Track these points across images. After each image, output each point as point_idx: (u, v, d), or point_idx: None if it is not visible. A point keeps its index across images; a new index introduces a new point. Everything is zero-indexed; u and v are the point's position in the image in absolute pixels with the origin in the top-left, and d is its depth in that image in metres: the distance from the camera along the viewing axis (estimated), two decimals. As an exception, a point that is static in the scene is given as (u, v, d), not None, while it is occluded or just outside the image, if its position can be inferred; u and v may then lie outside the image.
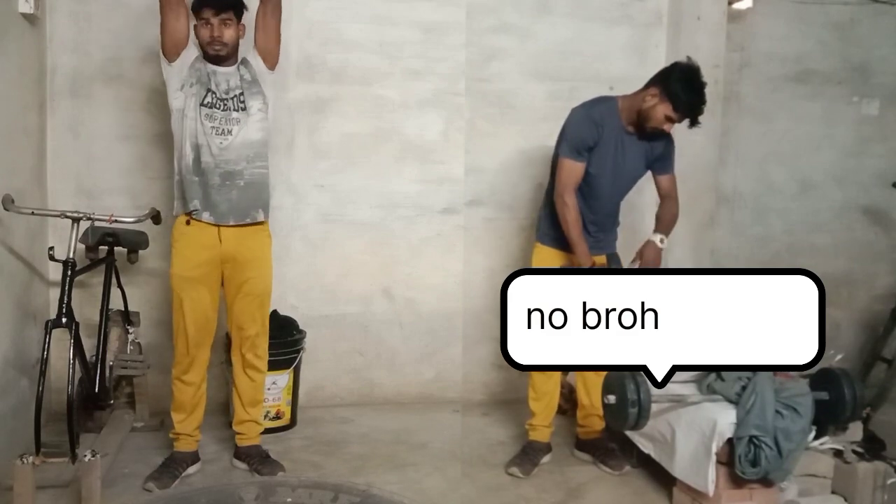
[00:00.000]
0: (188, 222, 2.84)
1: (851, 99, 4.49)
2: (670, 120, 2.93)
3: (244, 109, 2.85)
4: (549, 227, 3.13)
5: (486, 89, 3.92)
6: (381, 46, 3.79)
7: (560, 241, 3.07)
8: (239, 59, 2.90)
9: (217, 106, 2.82)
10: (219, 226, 2.84)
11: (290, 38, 3.66)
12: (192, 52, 2.85)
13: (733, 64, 4.21)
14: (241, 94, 2.85)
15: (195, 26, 2.82)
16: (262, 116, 2.88)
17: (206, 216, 2.82)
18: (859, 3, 4.41)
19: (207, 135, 2.80)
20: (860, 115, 4.51)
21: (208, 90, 2.82)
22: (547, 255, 3.13)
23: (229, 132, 2.82)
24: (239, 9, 2.85)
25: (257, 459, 3.02)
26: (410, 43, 3.81)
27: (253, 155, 2.87)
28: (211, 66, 2.85)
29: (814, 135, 4.45)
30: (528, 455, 3.18)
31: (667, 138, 3.07)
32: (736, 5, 4.15)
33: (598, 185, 3.06)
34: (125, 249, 3.26)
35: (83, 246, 2.96)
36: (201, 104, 2.80)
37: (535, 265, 3.17)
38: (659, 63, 4.06)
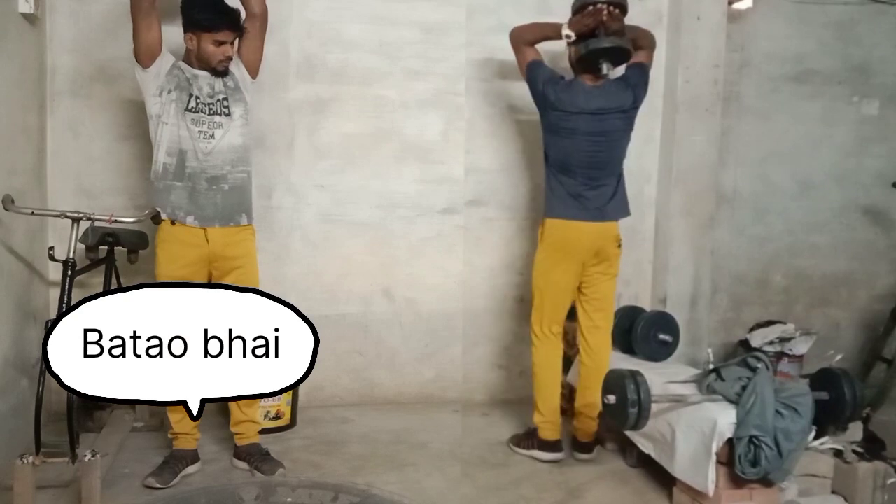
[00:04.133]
0: (173, 222, 2.87)
1: (851, 99, 4.48)
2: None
3: (228, 115, 2.92)
4: (552, 198, 3.21)
5: (486, 89, 3.92)
6: (381, 46, 3.79)
7: (564, 209, 3.16)
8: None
9: (202, 110, 2.88)
10: (205, 228, 2.88)
11: (290, 38, 3.68)
12: (168, 59, 2.88)
13: (733, 64, 4.21)
14: (226, 98, 2.92)
15: (195, 40, 2.84)
16: (243, 122, 2.96)
17: (190, 220, 2.86)
18: (859, 3, 4.40)
19: (195, 139, 2.85)
20: (860, 115, 4.50)
21: (191, 95, 2.86)
22: (558, 226, 3.20)
23: (212, 136, 2.88)
24: None
25: (257, 457, 3.02)
26: (410, 43, 3.81)
27: (237, 159, 2.93)
28: (192, 71, 2.89)
29: (814, 135, 4.45)
30: (527, 437, 3.30)
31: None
32: (736, 5, 4.15)
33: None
34: (125, 249, 3.25)
35: (83, 246, 2.96)
36: (186, 109, 2.85)
37: (546, 239, 3.22)
38: (659, 63, 4.06)
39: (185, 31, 2.87)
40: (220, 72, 2.89)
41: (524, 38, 3.28)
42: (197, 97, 2.87)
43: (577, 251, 3.15)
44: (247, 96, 2.97)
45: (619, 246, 3.23)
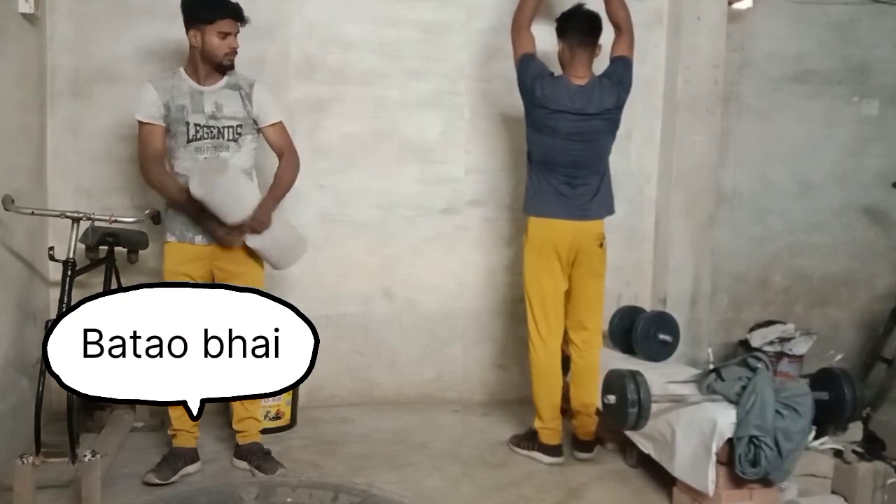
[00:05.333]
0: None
1: (851, 99, 4.48)
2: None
3: (235, 140, 2.89)
4: (533, 196, 3.21)
5: (486, 89, 3.92)
6: (381, 46, 3.79)
7: (545, 207, 3.17)
8: (239, 84, 2.92)
9: (203, 137, 2.85)
10: (212, 244, 2.90)
11: (290, 38, 3.68)
12: (162, 111, 2.84)
13: (733, 64, 4.21)
14: (240, 126, 2.89)
15: (199, 36, 2.82)
16: (252, 147, 2.96)
17: (198, 239, 2.88)
18: (859, 3, 4.40)
19: (202, 166, 2.83)
20: (860, 115, 4.50)
21: (187, 124, 2.83)
22: (539, 224, 3.20)
23: (217, 157, 2.86)
24: None
25: (258, 456, 3.02)
26: (410, 43, 3.81)
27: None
28: (184, 97, 2.84)
29: (814, 135, 4.45)
30: (528, 438, 3.29)
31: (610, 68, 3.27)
32: (736, 5, 4.14)
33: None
34: (125, 249, 3.26)
35: (83, 246, 2.96)
36: (188, 141, 2.84)
37: (529, 241, 3.21)
38: (659, 63, 4.07)
39: (188, 28, 2.84)
40: (217, 66, 2.85)
41: (526, 12, 3.24)
42: (196, 124, 2.83)
43: (559, 250, 3.16)
44: (255, 129, 2.97)
45: (602, 245, 3.22)
